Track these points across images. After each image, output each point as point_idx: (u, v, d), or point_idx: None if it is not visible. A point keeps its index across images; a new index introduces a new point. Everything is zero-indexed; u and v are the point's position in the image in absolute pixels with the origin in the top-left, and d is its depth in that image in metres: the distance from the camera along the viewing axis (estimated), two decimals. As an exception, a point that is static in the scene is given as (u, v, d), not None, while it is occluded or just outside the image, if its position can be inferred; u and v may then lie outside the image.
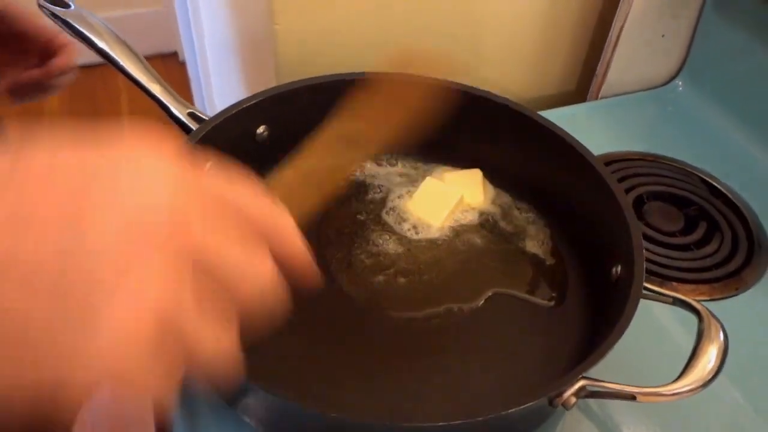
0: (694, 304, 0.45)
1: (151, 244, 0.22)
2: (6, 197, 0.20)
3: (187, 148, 0.25)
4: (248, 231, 0.25)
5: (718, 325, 0.43)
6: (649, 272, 0.63)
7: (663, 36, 0.82)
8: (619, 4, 0.78)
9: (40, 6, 0.55)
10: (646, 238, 0.67)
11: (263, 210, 0.26)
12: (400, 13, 0.73)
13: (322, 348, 0.52)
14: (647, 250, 0.65)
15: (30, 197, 0.21)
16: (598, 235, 0.57)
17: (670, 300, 0.47)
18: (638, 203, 0.70)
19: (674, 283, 0.63)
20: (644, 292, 0.46)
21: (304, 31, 0.70)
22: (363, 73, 0.63)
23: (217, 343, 0.24)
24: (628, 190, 0.71)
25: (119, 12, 2.03)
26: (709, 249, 0.67)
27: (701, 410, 0.52)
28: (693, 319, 0.45)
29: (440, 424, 0.40)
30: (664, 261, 0.65)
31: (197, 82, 0.98)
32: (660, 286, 0.62)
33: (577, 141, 0.59)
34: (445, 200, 0.62)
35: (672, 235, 0.68)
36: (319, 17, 0.70)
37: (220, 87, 0.86)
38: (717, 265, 0.65)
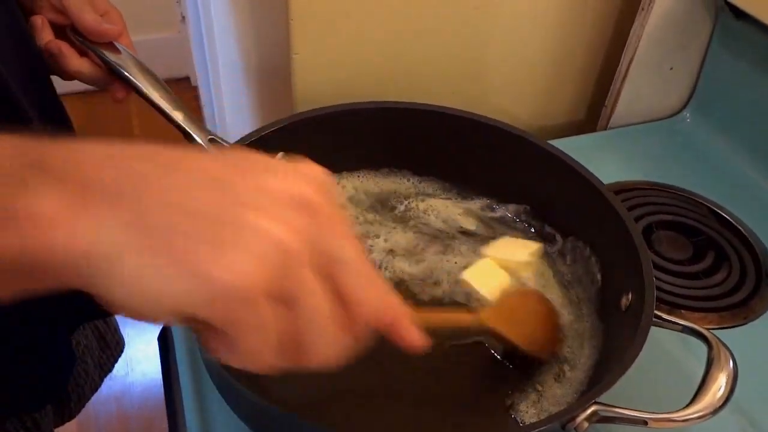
0: (704, 332, 0.46)
1: (292, 214, 0.26)
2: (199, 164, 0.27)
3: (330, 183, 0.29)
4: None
5: (728, 353, 0.44)
6: (659, 300, 0.64)
7: (671, 69, 0.84)
8: (629, 37, 0.80)
9: (71, 37, 0.58)
10: (655, 266, 0.67)
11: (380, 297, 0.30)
12: (415, 45, 0.75)
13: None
14: (656, 278, 0.66)
15: (219, 164, 0.27)
16: (609, 263, 0.58)
17: (680, 328, 0.48)
18: (647, 232, 0.71)
19: (683, 311, 0.64)
20: (655, 319, 0.47)
21: (322, 60, 0.72)
22: (381, 102, 0.65)
23: (327, 324, 0.27)
24: (637, 219, 0.72)
25: (134, 37, 2.06)
26: (717, 278, 0.68)
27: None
28: (702, 346, 0.46)
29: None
30: (672, 289, 0.66)
31: (210, 107, 1.00)
32: (669, 313, 0.62)
33: (587, 170, 0.60)
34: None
35: (680, 263, 0.69)
36: (336, 47, 0.72)
37: (233, 112, 0.88)
38: (725, 294, 0.66)
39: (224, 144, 0.58)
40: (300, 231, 0.26)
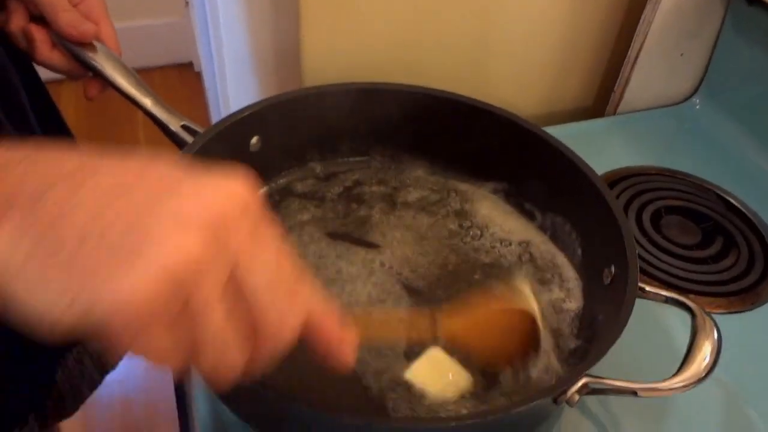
0: (687, 302, 0.48)
1: (200, 229, 0.26)
2: (116, 172, 0.27)
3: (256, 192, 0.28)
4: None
5: (712, 322, 0.46)
6: (667, 284, 0.67)
7: (681, 55, 0.86)
8: (639, 23, 0.82)
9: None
10: (664, 251, 0.70)
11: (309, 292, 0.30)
12: (423, 30, 0.77)
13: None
14: (665, 262, 0.69)
15: (131, 174, 0.27)
16: (590, 237, 0.60)
17: (663, 299, 0.50)
18: (656, 217, 0.74)
19: (692, 296, 0.66)
20: (639, 291, 0.49)
21: (331, 44, 0.74)
22: (352, 84, 0.67)
23: (225, 346, 0.27)
24: (645, 204, 0.75)
25: (137, 22, 2.11)
26: (726, 263, 0.70)
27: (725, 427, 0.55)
28: (687, 315, 0.48)
29: (452, 424, 0.43)
30: (681, 273, 0.68)
31: (213, 93, 1.02)
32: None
33: (563, 144, 0.61)
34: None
35: (689, 248, 0.71)
36: (345, 32, 0.74)
37: (237, 98, 0.90)
38: (733, 279, 0.68)
39: (198, 131, 0.58)
40: (207, 249, 0.25)
